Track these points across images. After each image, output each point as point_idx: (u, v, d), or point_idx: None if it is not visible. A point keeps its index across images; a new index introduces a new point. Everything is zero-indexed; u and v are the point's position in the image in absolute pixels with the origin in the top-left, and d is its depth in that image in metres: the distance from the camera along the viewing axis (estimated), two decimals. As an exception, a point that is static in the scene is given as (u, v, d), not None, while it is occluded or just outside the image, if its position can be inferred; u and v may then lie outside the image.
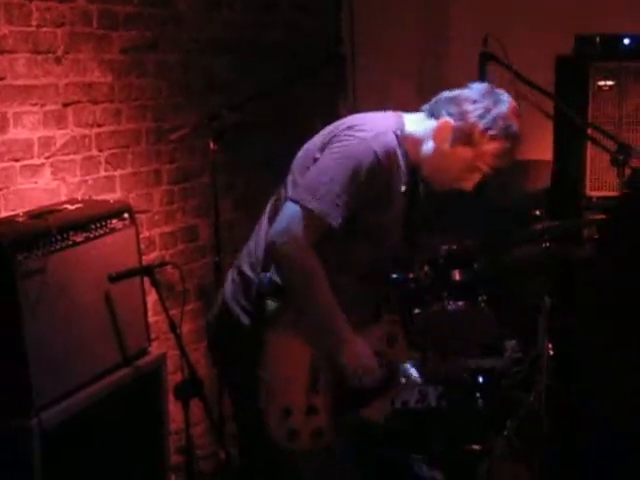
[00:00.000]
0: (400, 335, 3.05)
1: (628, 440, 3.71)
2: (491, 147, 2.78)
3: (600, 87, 4.81)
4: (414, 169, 2.87)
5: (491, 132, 2.76)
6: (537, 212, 4.51)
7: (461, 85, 2.96)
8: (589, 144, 4.75)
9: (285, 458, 2.81)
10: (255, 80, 4.80)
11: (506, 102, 2.81)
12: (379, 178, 2.74)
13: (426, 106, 2.91)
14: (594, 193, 4.84)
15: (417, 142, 2.86)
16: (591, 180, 4.85)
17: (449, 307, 4.31)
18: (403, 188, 2.83)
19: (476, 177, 2.84)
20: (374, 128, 2.79)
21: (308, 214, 2.70)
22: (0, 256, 3.01)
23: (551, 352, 4.54)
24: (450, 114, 2.80)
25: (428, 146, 2.83)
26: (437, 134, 2.81)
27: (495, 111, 2.77)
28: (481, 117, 2.76)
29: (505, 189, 5.24)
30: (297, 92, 4.75)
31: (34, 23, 3.62)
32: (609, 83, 4.80)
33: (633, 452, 3.83)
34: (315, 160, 2.79)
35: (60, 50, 3.75)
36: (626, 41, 4.81)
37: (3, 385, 3.05)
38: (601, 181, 4.81)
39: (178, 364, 3.55)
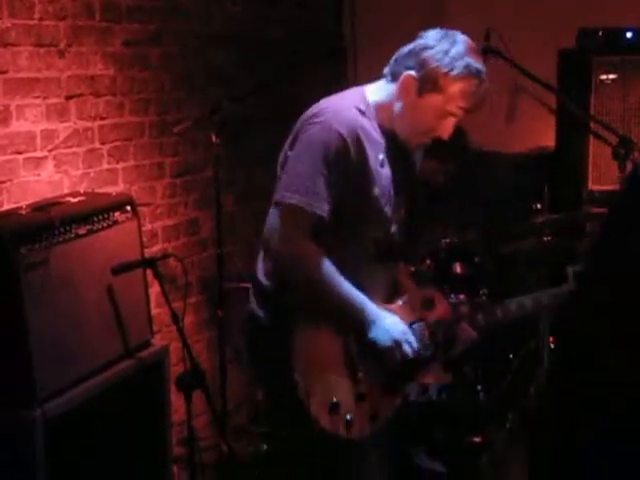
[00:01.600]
0: (436, 296, 3.02)
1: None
2: (458, 87, 2.75)
3: (602, 81, 4.81)
4: (394, 136, 2.86)
5: (454, 72, 2.74)
6: (538, 205, 4.51)
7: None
8: (591, 138, 4.75)
9: (341, 449, 2.78)
10: (257, 74, 4.80)
11: (462, 41, 2.79)
12: (351, 155, 2.73)
13: (386, 70, 2.89)
14: (596, 187, 4.85)
15: (386, 108, 2.84)
16: (593, 174, 4.85)
17: (450, 300, 4.31)
18: (381, 157, 2.82)
19: (451, 122, 2.82)
20: (332, 109, 2.78)
21: (291, 210, 2.70)
22: (3, 248, 3.02)
23: (552, 345, 4.56)
24: (410, 67, 2.78)
25: (398, 106, 2.82)
26: (402, 90, 2.79)
27: (453, 52, 2.75)
28: (441, 60, 2.74)
29: (507, 182, 5.25)
30: (299, 86, 4.75)
31: (37, 16, 3.62)
32: (611, 77, 4.80)
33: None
34: (287, 157, 2.80)
35: (63, 43, 3.75)
36: (629, 35, 4.81)
37: (7, 377, 3.06)
38: (603, 175, 4.81)
39: (180, 356, 3.56)
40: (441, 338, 2.97)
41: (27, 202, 3.48)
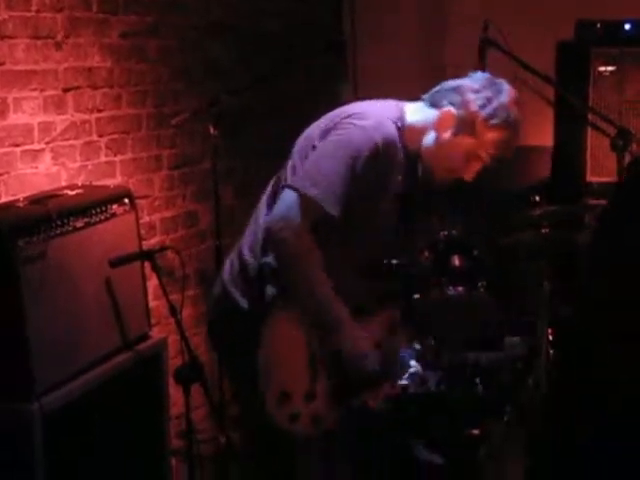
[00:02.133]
0: (400, 323, 3.06)
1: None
2: (492, 136, 2.80)
3: (601, 73, 4.81)
4: (413, 159, 2.87)
5: (493, 121, 2.78)
6: (537, 198, 4.51)
7: (462, 71, 2.97)
8: (589, 130, 4.76)
9: (285, 441, 2.82)
10: (255, 66, 4.80)
11: (507, 91, 2.83)
12: (378, 168, 2.75)
13: (427, 95, 2.92)
14: (594, 179, 4.85)
15: (418, 132, 2.87)
16: (591, 166, 4.85)
17: (449, 293, 4.31)
18: (400, 178, 2.84)
19: (476, 167, 2.86)
20: (375, 117, 2.80)
21: (306, 201, 2.71)
22: (1, 241, 3.01)
23: (550, 337, 4.56)
24: (452, 103, 2.82)
25: (430, 136, 2.85)
26: (439, 123, 2.82)
27: (496, 101, 2.79)
28: (483, 107, 2.78)
29: (505, 174, 5.24)
30: (297, 78, 4.75)
31: (34, 8, 3.61)
32: (610, 69, 4.80)
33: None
34: (314, 147, 2.80)
35: (60, 35, 3.74)
36: (627, 26, 4.81)
37: (4, 370, 3.06)
38: (601, 167, 4.81)
39: (178, 349, 3.56)
40: (392, 364, 3.05)
41: (24, 195, 3.47)
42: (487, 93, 2.80)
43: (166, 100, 4.39)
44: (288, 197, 2.74)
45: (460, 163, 2.85)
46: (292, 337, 2.79)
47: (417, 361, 3.18)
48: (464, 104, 2.80)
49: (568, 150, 5.07)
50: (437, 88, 2.90)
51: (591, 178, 4.86)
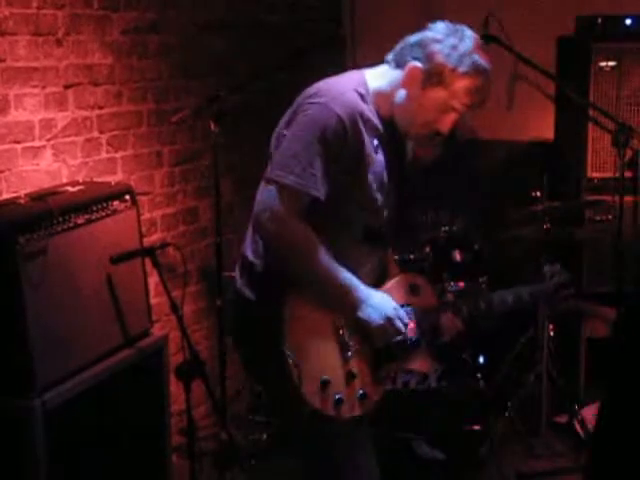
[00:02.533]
0: (423, 283, 3.01)
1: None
2: (462, 84, 2.75)
3: (601, 68, 4.80)
4: (388, 123, 2.85)
5: (461, 69, 2.73)
6: (537, 193, 4.51)
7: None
8: (590, 125, 4.75)
9: (328, 427, 2.77)
10: (255, 62, 4.79)
11: (471, 38, 2.78)
12: (348, 139, 2.72)
13: (389, 56, 2.87)
14: (595, 174, 4.84)
15: (387, 95, 2.83)
16: (592, 161, 4.84)
17: (450, 288, 4.31)
18: (376, 142, 2.82)
19: (451, 118, 2.81)
20: (332, 91, 2.77)
21: (286, 190, 2.68)
22: (2, 238, 3.02)
23: (551, 333, 4.57)
24: (417, 58, 2.77)
25: (400, 95, 2.80)
26: (407, 80, 2.78)
27: (461, 48, 2.74)
28: (448, 56, 2.73)
29: (506, 170, 5.25)
30: (297, 74, 4.74)
31: (34, 5, 3.61)
32: (610, 64, 4.79)
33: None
34: (284, 136, 2.79)
35: (61, 32, 3.75)
36: (628, 22, 4.80)
37: (6, 366, 3.06)
38: (602, 162, 4.80)
39: (180, 345, 3.56)
40: (427, 325, 2.96)
41: (26, 191, 3.48)
42: (451, 41, 2.75)
43: (167, 97, 4.39)
44: (267, 191, 2.73)
45: (434, 116, 2.79)
46: (314, 324, 2.75)
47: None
48: (429, 56, 2.75)
49: (569, 145, 5.06)
50: (399, 46, 2.86)
51: (592, 173, 4.85)
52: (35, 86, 3.63)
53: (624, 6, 4.93)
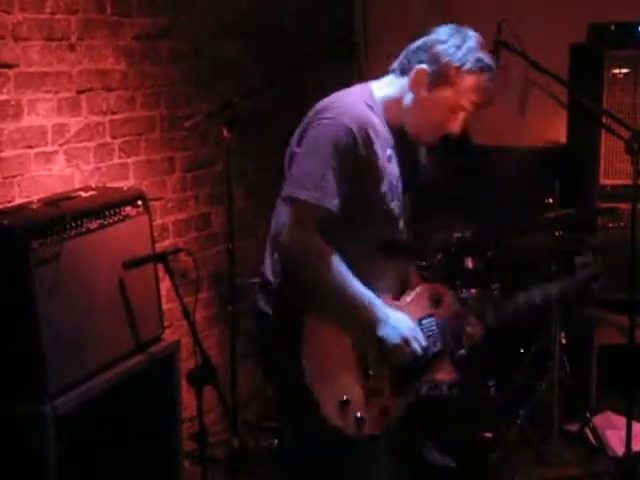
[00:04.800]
0: (445, 293, 3.00)
1: None
2: (469, 82, 2.76)
3: (614, 75, 4.79)
4: (400, 131, 2.85)
5: (466, 67, 2.75)
6: (550, 200, 4.50)
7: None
8: (603, 132, 4.74)
9: (350, 447, 2.76)
10: (268, 67, 4.80)
11: (473, 37, 2.80)
12: (360, 150, 2.72)
13: (394, 66, 2.89)
14: (608, 181, 4.83)
15: (394, 103, 2.84)
16: (605, 168, 4.83)
17: (462, 295, 4.30)
18: (388, 152, 2.82)
19: (461, 117, 2.82)
20: (341, 105, 2.77)
21: (301, 206, 2.68)
22: (15, 243, 3.02)
23: (564, 341, 4.55)
24: (422, 61, 2.78)
25: (408, 99, 2.81)
26: (414, 83, 2.79)
27: (465, 47, 2.76)
28: (453, 55, 2.75)
29: (518, 176, 5.23)
30: (310, 79, 4.74)
31: (48, 10, 3.62)
32: (624, 71, 4.79)
33: None
34: (295, 154, 2.79)
35: (74, 37, 3.75)
36: (641, 29, 4.80)
37: (18, 371, 3.07)
38: (615, 169, 4.79)
39: (191, 351, 3.56)
40: (449, 335, 2.97)
41: (38, 197, 3.48)
42: (454, 41, 2.77)
43: (179, 102, 4.40)
44: (282, 209, 2.72)
45: (443, 116, 2.81)
46: (333, 343, 2.74)
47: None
48: (434, 58, 2.77)
49: (582, 152, 5.05)
50: (402, 54, 2.87)
51: (605, 181, 4.84)
52: (48, 91, 3.64)
53: (638, 13, 4.92)
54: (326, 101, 2.84)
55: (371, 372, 2.77)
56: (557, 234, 4.43)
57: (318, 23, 5.49)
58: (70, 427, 3.12)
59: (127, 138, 4.08)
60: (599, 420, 4.66)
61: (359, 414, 2.71)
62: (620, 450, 4.14)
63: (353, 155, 2.71)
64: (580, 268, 3.22)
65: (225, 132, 4.02)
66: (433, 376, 2.96)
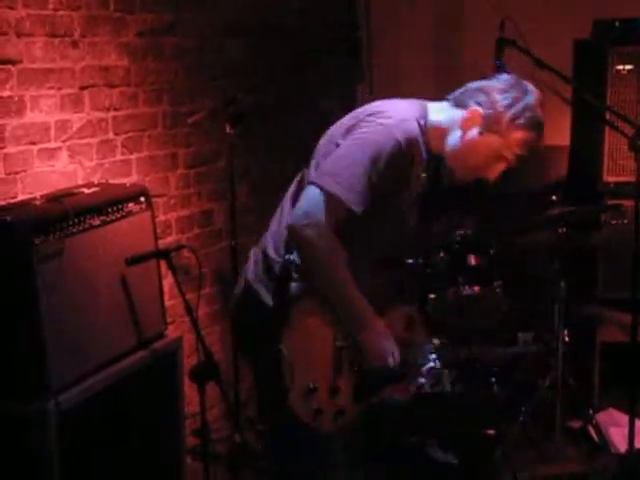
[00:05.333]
0: (418, 320, 3.06)
1: None
2: (518, 136, 2.82)
3: (619, 71, 4.78)
4: (436, 157, 2.88)
5: (519, 121, 2.80)
6: (554, 197, 4.50)
7: (478, 69, 2.97)
8: (607, 129, 4.73)
9: (306, 435, 2.81)
10: (271, 64, 4.79)
11: (533, 92, 2.85)
12: (400, 165, 2.76)
13: (452, 95, 2.93)
14: (611, 178, 4.83)
15: (441, 131, 2.88)
16: (608, 165, 4.83)
17: (464, 292, 4.30)
18: (423, 175, 2.85)
19: (500, 167, 2.88)
20: (397, 115, 2.81)
21: (329, 198, 2.71)
22: (18, 239, 3.02)
23: (566, 338, 4.55)
24: (478, 103, 2.83)
25: (455, 135, 2.86)
26: (466, 122, 2.84)
27: (523, 101, 2.82)
28: (510, 106, 2.81)
29: (522, 174, 5.22)
30: (313, 76, 4.75)
31: (51, 6, 3.62)
32: (628, 67, 4.78)
33: None
34: (338, 145, 2.81)
35: (77, 33, 3.75)
36: (645, 25, 4.79)
37: (20, 368, 3.06)
38: (619, 166, 4.79)
39: (194, 347, 3.56)
40: (415, 362, 3.07)
41: (41, 193, 3.48)
42: (514, 93, 2.83)
43: (182, 99, 4.39)
44: (311, 194, 2.75)
45: (485, 162, 2.87)
46: (317, 332, 2.80)
47: (435, 357, 3.18)
48: (491, 103, 2.82)
49: (585, 149, 5.04)
50: (462, 89, 2.92)
51: (608, 178, 4.83)
52: (51, 87, 3.64)
53: (641, 10, 4.91)
54: (383, 104, 2.88)
55: (341, 369, 2.83)
56: (560, 231, 4.43)
57: (321, 20, 5.48)
58: (73, 423, 3.11)
59: (130, 134, 4.08)
60: (602, 417, 4.66)
61: (317, 406, 2.78)
62: (623, 447, 4.14)
63: (392, 167, 2.76)
64: (521, 344, 3.32)
65: (228, 128, 4.02)
66: (390, 393, 3.01)
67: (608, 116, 4.42)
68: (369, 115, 2.82)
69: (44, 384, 3.05)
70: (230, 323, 3.16)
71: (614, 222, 4.71)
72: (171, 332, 3.85)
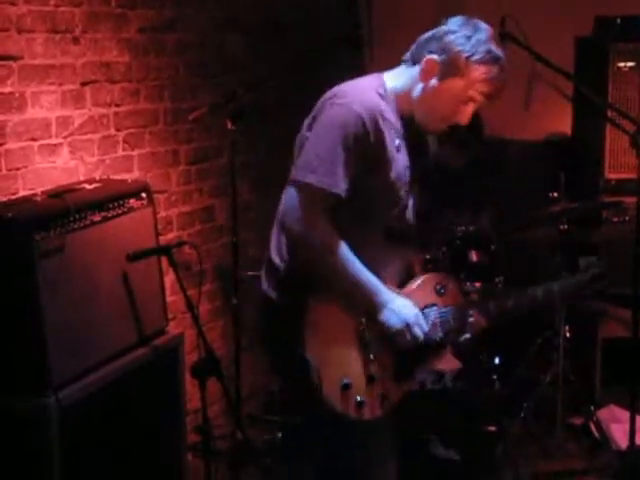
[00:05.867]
0: (449, 282, 3.02)
1: None
2: (479, 73, 2.78)
3: (620, 68, 4.78)
4: (410, 122, 2.86)
5: (475, 57, 2.76)
6: (555, 194, 4.49)
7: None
8: (608, 126, 4.73)
9: (348, 428, 2.79)
10: (272, 60, 4.79)
11: (484, 29, 2.82)
12: (370, 138, 2.74)
13: (406, 56, 2.90)
14: (613, 175, 4.82)
15: (405, 93, 2.85)
16: (610, 162, 4.83)
17: (466, 288, 4.30)
18: (397, 142, 2.82)
19: (470, 108, 2.84)
20: (354, 92, 2.80)
21: (308, 189, 2.70)
22: (19, 235, 3.02)
23: (568, 334, 4.55)
24: (432, 51, 2.80)
25: (417, 89, 2.83)
26: (424, 74, 2.81)
27: (475, 37, 2.78)
28: (463, 45, 2.77)
29: (523, 170, 5.23)
30: (314, 72, 4.74)
31: (52, 2, 3.62)
32: (629, 64, 4.78)
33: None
34: (306, 139, 2.80)
35: (78, 30, 3.75)
36: (647, 22, 4.79)
37: (22, 364, 3.06)
38: (620, 163, 4.79)
39: (195, 344, 3.56)
40: (452, 324, 2.98)
41: (42, 189, 3.48)
42: (465, 32, 2.78)
43: (184, 95, 4.39)
44: (291, 193, 2.75)
45: (453, 107, 2.83)
46: (336, 327, 2.77)
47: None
48: (444, 48, 2.78)
49: (587, 146, 5.04)
50: (414, 45, 2.89)
51: (610, 175, 4.83)
52: (52, 83, 3.64)
53: (643, 6, 4.91)
54: (337, 88, 2.86)
55: (372, 357, 2.79)
56: (562, 228, 4.43)
57: (323, 16, 5.48)
58: (74, 419, 3.11)
59: (131, 130, 4.08)
60: (603, 414, 4.66)
61: (359, 398, 2.74)
62: (624, 444, 4.14)
63: (362, 142, 2.73)
64: (584, 270, 3.25)
65: (229, 124, 4.01)
66: (435, 365, 2.97)
67: (609, 113, 4.42)
68: (327, 99, 2.81)
69: (45, 380, 3.05)
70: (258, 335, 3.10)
71: (615, 219, 4.71)
72: (172, 328, 3.85)
